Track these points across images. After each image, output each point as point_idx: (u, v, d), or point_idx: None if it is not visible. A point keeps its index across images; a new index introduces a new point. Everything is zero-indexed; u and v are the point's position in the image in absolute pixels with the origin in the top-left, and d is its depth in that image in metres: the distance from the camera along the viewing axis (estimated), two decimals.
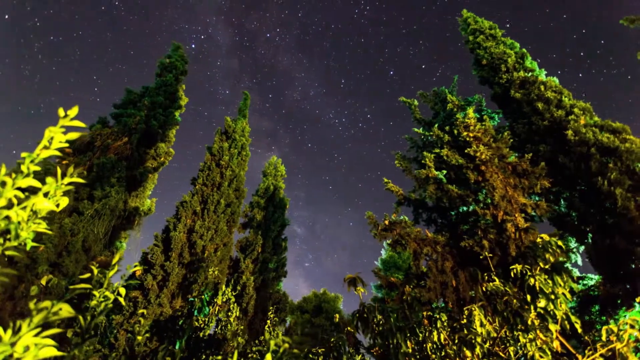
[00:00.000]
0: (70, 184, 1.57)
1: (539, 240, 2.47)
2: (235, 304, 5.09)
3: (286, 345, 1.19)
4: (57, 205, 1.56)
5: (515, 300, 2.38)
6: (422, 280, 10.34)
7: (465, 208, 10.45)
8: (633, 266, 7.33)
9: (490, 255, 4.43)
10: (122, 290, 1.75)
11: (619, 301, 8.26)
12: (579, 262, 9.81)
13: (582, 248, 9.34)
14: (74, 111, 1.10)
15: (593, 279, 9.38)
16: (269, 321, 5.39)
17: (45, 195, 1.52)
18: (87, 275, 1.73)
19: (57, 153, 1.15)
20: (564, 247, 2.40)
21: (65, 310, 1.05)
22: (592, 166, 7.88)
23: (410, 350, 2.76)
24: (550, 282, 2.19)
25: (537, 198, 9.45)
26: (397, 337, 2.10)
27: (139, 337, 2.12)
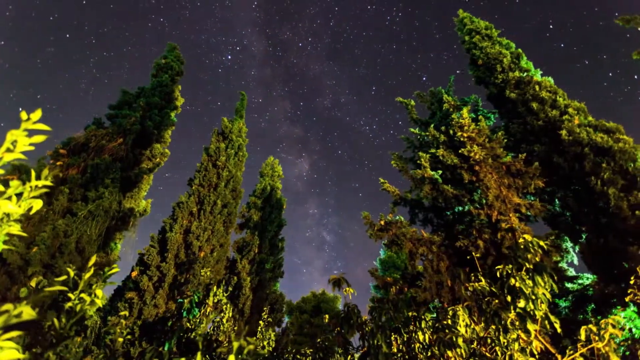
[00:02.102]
0: (46, 186, 1.58)
1: (521, 240, 2.48)
2: (229, 305, 5.10)
3: (251, 346, 1.20)
4: (31, 208, 1.56)
5: (497, 300, 2.39)
6: (418, 280, 10.35)
7: (460, 208, 10.46)
8: (627, 265, 7.35)
9: (478, 255, 4.42)
10: (99, 292, 1.75)
11: (614, 300, 8.28)
12: (575, 262, 9.84)
13: (577, 248, 9.37)
14: (37, 114, 1.10)
15: (589, 278, 9.40)
16: (261, 322, 5.39)
17: (19, 197, 1.52)
18: (64, 277, 1.73)
19: (22, 156, 1.16)
20: (545, 247, 2.41)
21: (27, 313, 1.06)
22: (585, 166, 7.90)
23: (395, 350, 2.77)
24: (530, 282, 2.20)
25: (531, 198, 9.47)
26: (377, 338, 2.11)
27: (120, 339, 2.14)
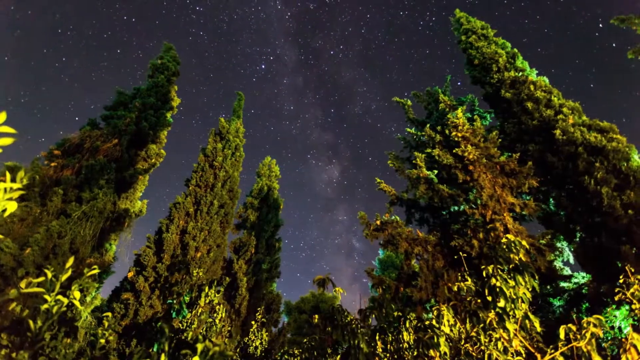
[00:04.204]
0: (21, 188, 1.58)
1: (504, 240, 2.49)
2: (221, 306, 5.10)
3: (216, 348, 1.20)
4: (4, 210, 1.57)
5: (479, 300, 2.41)
6: (414, 279, 10.36)
7: (456, 208, 10.48)
8: (620, 264, 7.37)
9: (473, 254, 4.41)
10: (77, 294, 1.76)
11: (608, 299, 8.31)
12: (571, 261, 9.87)
13: (572, 247, 9.39)
14: (1, 117, 1.11)
15: (585, 277, 9.43)
16: (253, 322, 5.39)
17: None
18: (42, 279, 1.74)
19: None
20: (528, 246, 2.43)
21: None
22: (579, 165, 7.92)
23: (379, 350, 2.78)
24: (511, 282, 2.22)
25: (526, 197, 9.49)
26: (359, 338, 2.12)
27: (102, 341, 2.14)
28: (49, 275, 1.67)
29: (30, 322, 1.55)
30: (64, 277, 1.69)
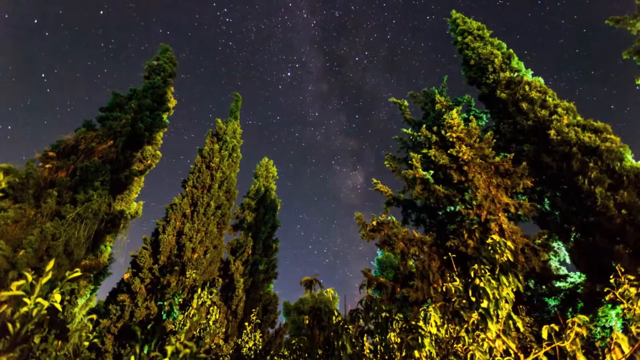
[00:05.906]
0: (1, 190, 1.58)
1: (489, 240, 2.50)
2: (215, 307, 5.10)
3: (187, 350, 1.21)
4: None
5: (465, 301, 2.42)
6: (411, 280, 10.38)
7: (452, 208, 10.51)
8: (614, 264, 7.40)
9: (455, 256, 4.43)
10: (58, 297, 1.76)
11: (602, 299, 8.33)
12: (568, 261, 9.90)
13: (567, 247, 9.42)
14: None
15: (582, 276, 9.46)
16: (246, 323, 5.40)
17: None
18: (22, 282, 1.74)
19: None
20: (513, 247, 2.44)
21: None
22: (573, 165, 7.95)
23: (367, 352, 2.78)
24: (494, 282, 2.23)
25: (522, 198, 9.52)
26: (342, 339, 2.13)
27: (86, 343, 2.14)
28: (29, 278, 1.67)
29: (9, 325, 1.56)
30: (44, 280, 1.69)
